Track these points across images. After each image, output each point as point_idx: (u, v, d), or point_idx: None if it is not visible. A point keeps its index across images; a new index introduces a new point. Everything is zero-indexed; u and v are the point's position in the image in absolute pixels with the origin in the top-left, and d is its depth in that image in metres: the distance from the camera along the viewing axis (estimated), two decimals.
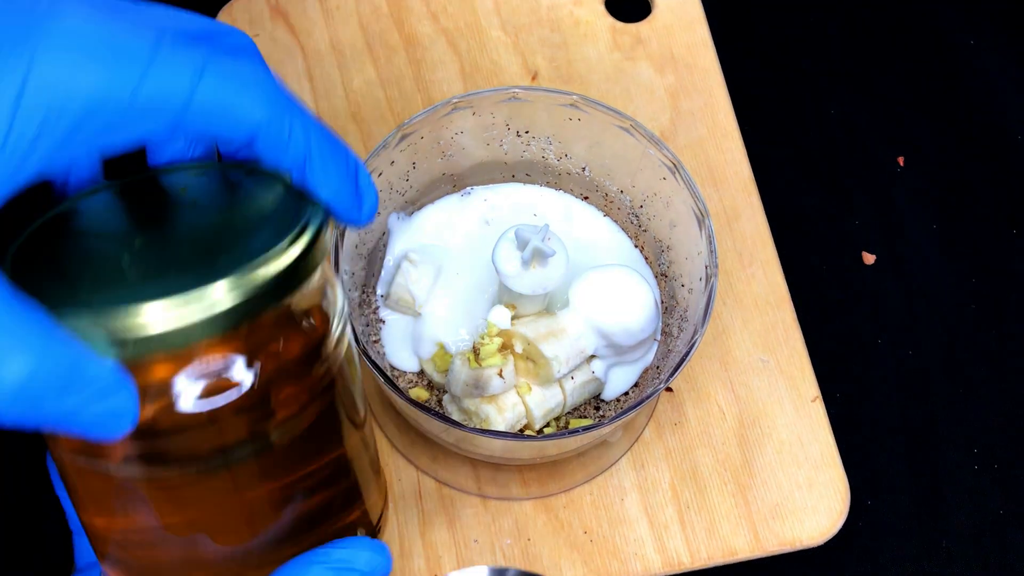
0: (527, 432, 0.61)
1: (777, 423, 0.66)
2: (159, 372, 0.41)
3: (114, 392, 0.39)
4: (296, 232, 0.42)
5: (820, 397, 0.67)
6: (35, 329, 0.37)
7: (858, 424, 0.70)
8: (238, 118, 0.42)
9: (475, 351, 0.59)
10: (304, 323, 0.44)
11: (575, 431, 0.57)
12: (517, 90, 0.63)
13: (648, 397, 0.58)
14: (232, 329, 0.41)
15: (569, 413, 0.63)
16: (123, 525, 0.45)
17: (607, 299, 0.60)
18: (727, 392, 0.67)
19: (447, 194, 0.66)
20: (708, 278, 0.60)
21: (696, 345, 0.58)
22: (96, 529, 0.46)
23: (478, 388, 0.59)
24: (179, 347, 0.40)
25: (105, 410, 0.39)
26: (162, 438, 0.42)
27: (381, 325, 0.64)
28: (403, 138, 0.62)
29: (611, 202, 0.66)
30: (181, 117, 0.41)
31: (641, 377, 0.63)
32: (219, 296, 0.40)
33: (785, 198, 0.74)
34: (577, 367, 0.61)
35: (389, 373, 0.63)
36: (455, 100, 0.63)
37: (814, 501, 0.65)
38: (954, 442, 0.70)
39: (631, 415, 0.58)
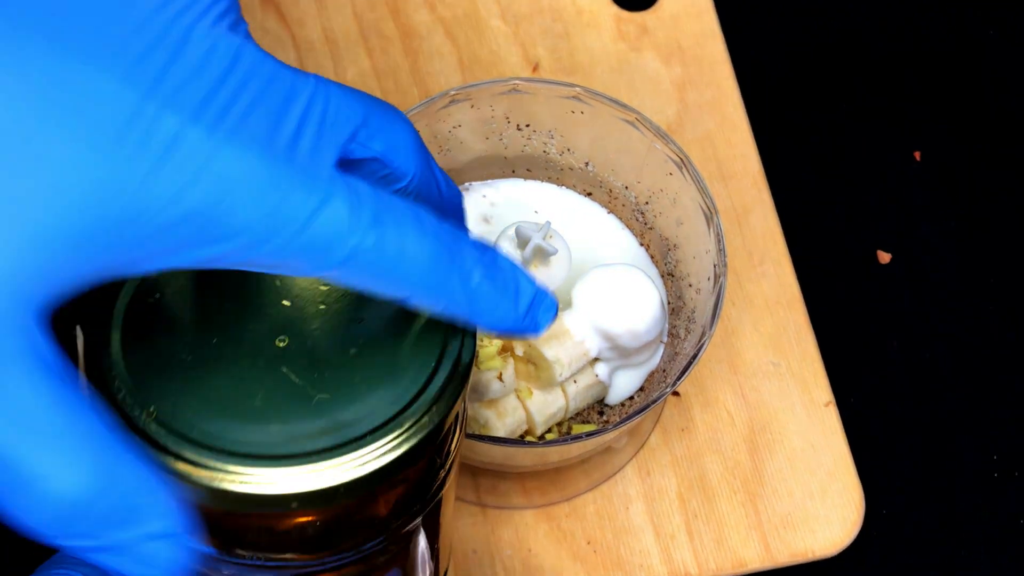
0: (528, 438, 0.61)
1: (788, 429, 0.66)
2: (253, 521, 0.36)
3: (169, 537, 0.34)
4: (453, 372, 0.37)
5: (833, 402, 0.67)
6: (96, 444, 0.33)
7: (873, 430, 0.70)
8: (394, 283, 0.36)
9: None
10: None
11: (578, 437, 0.58)
12: (517, 82, 0.63)
13: (654, 402, 0.58)
14: (380, 481, 0.35)
15: (572, 418, 0.63)
16: None
17: (611, 300, 0.60)
18: (736, 396, 0.67)
19: None
20: (717, 278, 0.60)
21: (704, 347, 0.59)
22: None
23: (477, 392, 0.59)
24: (297, 507, 0.34)
25: (153, 552, 0.34)
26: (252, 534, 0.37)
27: None
28: None
29: (615, 198, 0.66)
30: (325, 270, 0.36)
31: (647, 381, 0.63)
32: (374, 457, 0.34)
33: (797, 194, 0.74)
34: (580, 370, 0.60)
35: None
36: (453, 92, 0.63)
37: (827, 510, 0.65)
38: (972, 448, 0.70)
39: (636, 420, 0.58)
